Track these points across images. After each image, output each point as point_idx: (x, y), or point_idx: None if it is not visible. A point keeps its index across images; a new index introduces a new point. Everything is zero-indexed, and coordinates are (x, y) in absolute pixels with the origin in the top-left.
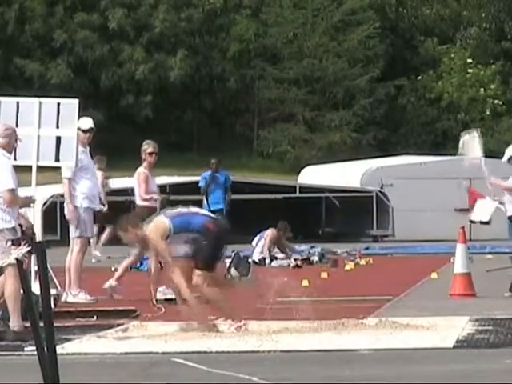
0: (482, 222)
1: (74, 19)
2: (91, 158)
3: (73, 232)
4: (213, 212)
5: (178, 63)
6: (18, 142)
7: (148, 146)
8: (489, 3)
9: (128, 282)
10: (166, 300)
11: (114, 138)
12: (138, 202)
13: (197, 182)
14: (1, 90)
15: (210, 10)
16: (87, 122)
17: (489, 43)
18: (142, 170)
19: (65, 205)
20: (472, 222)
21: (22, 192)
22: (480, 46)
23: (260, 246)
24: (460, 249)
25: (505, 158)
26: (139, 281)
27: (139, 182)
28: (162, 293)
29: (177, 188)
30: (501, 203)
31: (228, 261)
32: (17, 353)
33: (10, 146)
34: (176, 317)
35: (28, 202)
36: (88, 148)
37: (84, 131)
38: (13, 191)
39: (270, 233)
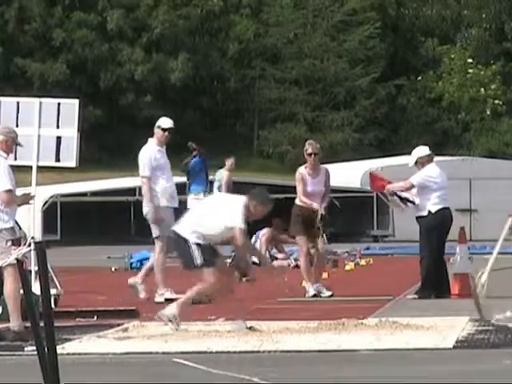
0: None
1: (72, 18)
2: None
3: (153, 232)
4: None
5: (179, 66)
6: (18, 147)
7: (309, 147)
8: (489, 4)
9: (127, 282)
10: (166, 300)
11: (114, 137)
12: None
13: None
14: (1, 90)
15: (210, 10)
16: (167, 122)
17: (489, 43)
18: (300, 171)
19: (143, 204)
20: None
21: (22, 192)
22: (480, 47)
23: (257, 246)
24: (460, 249)
25: (412, 163)
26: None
27: (297, 182)
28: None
29: (177, 188)
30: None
31: (228, 261)
32: (17, 353)
33: (8, 146)
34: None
35: (27, 199)
36: (165, 147)
37: (164, 130)
38: (10, 192)
39: (265, 232)
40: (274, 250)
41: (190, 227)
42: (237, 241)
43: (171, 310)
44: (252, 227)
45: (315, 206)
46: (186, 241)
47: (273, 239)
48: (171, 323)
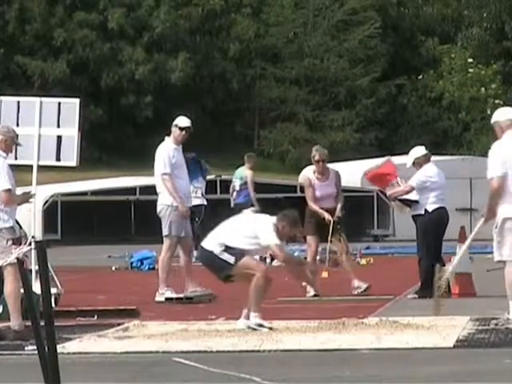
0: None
1: (74, 18)
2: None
3: (163, 230)
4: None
5: (179, 66)
6: (18, 146)
7: (316, 153)
8: (489, 3)
9: (127, 281)
10: (167, 300)
11: (114, 137)
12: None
13: None
14: (1, 90)
15: (211, 10)
16: (185, 121)
17: (490, 43)
18: (308, 175)
19: (158, 201)
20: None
21: (23, 191)
22: (481, 46)
23: None
24: (461, 248)
25: (409, 164)
26: (139, 280)
27: (305, 188)
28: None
29: None
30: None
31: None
32: (17, 352)
33: (7, 146)
34: (177, 316)
35: (27, 198)
36: (181, 146)
37: (181, 129)
38: (9, 191)
39: None
40: None
41: (216, 241)
42: (278, 257)
43: (253, 320)
44: None
45: (326, 216)
46: (212, 252)
47: None
48: (263, 327)
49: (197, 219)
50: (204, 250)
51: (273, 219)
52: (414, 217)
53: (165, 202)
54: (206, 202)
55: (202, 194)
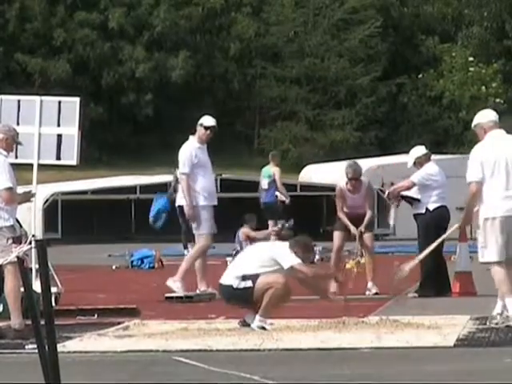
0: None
1: (75, 18)
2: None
3: (193, 229)
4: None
5: (180, 64)
6: (19, 145)
7: (349, 170)
8: (490, 2)
9: (128, 280)
10: (167, 299)
11: (115, 136)
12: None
13: None
14: (2, 88)
15: (211, 9)
16: (210, 120)
17: (490, 42)
18: (340, 186)
19: (183, 201)
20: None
21: (23, 190)
22: (481, 45)
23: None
24: (461, 248)
25: (410, 164)
26: (139, 279)
27: (336, 197)
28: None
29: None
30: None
31: (229, 259)
32: (17, 351)
33: (8, 145)
34: (177, 315)
35: (28, 197)
36: (205, 145)
37: (206, 128)
38: (10, 189)
39: (241, 233)
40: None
41: (233, 275)
42: (306, 274)
43: (257, 323)
44: (258, 225)
45: (352, 229)
46: (231, 286)
47: (248, 237)
48: (264, 329)
49: None
50: (223, 286)
51: (285, 243)
52: (416, 215)
53: (192, 202)
54: None
55: None
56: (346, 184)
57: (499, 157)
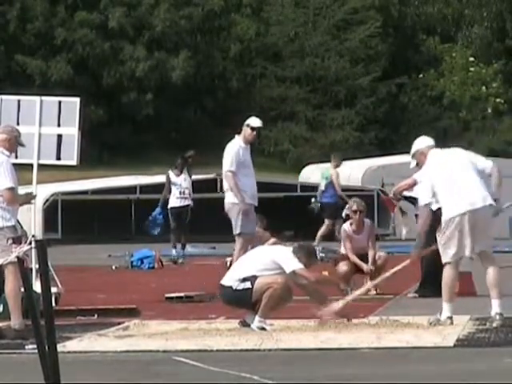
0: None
1: (75, 18)
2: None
3: (234, 229)
4: None
5: (180, 64)
6: (21, 147)
7: (353, 204)
8: (491, 2)
9: (128, 280)
10: (167, 299)
11: (115, 135)
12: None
13: (197, 181)
14: (2, 88)
15: (211, 9)
16: (257, 121)
17: (491, 42)
18: (345, 228)
19: (225, 200)
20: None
21: (23, 190)
22: (482, 45)
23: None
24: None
25: (413, 164)
26: (139, 279)
27: (342, 240)
28: None
29: None
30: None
31: (229, 259)
32: (18, 351)
33: (11, 145)
34: (177, 315)
35: (29, 198)
36: (249, 146)
37: (252, 129)
38: (12, 190)
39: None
40: None
41: (234, 277)
42: (309, 279)
43: (256, 323)
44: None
45: (365, 267)
46: (230, 287)
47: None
48: (264, 330)
49: (184, 219)
50: (223, 287)
51: (289, 249)
52: (417, 216)
53: (232, 200)
54: (191, 203)
55: (190, 195)
56: (351, 225)
57: (446, 167)
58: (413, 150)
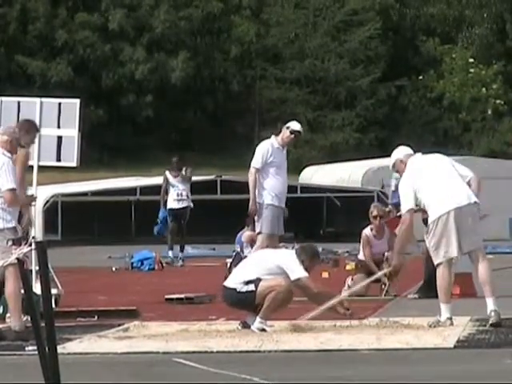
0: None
1: (76, 20)
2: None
3: (256, 227)
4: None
5: (179, 65)
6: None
7: (374, 209)
8: (491, 3)
9: (128, 282)
10: (167, 300)
11: (115, 137)
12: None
13: (197, 182)
14: (2, 90)
15: (211, 11)
16: (298, 125)
17: (491, 43)
18: (366, 232)
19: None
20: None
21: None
22: (482, 46)
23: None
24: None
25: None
26: (139, 281)
27: (362, 244)
28: None
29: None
30: None
31: (229, 261)
32: (18, 352)
33: (12, 147)
34: (177, 316)
35: (30, 200)
36: (285, 148)
37: (291, 132)
38: (14, 191)
39: (244, 236)
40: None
41: (237, 280)
42: (312, 289)
43: (257, 324)
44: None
45: (383, 279)
46: (234, 290)
47: (251, 240)
48: (263, 330)
49: (182, 221)
50: (227, 289)
51: (292, 251)
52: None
53: (257, 199)
54: (191, 204)
55: (188, 196)
56: (371, 230)
57: (429, 169)
58: (392, 159)
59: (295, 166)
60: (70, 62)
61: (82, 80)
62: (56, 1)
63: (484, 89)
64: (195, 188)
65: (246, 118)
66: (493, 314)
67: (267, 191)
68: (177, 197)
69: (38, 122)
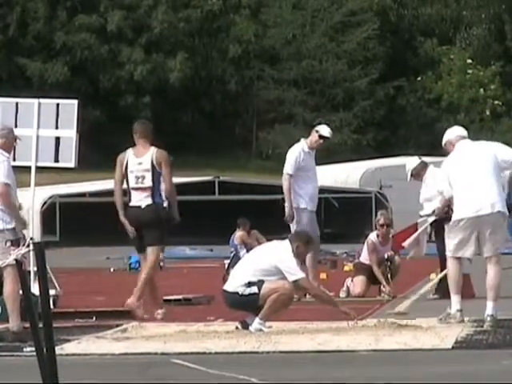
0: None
1: (75, 21)
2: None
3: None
4: None
5: (177, 66)
6: (18, 141)
7: (381, 217)
8: (489, 4)
9: (126, 283)
10: (165, 301)
11: (113, 138)
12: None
13: (195, 183)
14: (1, 90)
15: (209, 11)
16: (327, 131)
17: (489, 44)
18: (372, 239)
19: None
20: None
21: (22, 193)
22: (480, 47)
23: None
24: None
25: (408, 177)
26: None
27: (368, 250)
28: None
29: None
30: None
31: (227, 262)
32: (16, 353)
33: (8, 146)
34: (175, 317)
35: (21, 220)
36: (314, 151)
37: (320, 136)
38: (7, 185)
39: (236, 238)
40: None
41: (237, 282)
42: (310, 290)
43: (256, 325)
44: (255, 228)
45: (387, 288)
46: (237, 293)
47: (243, 241)
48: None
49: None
50: (228, 293)
51: (286, 244)
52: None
53: (293, 204)
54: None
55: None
56: (377, 236)
57: (464, 162)
58: (444, 139)
59: None
60: (68, 63)
61: (80, 81)
62: (55, 2)
63: (482, 90)
64: (193, 189)
65: (244, 119)
66: (489, 318)
67: (300, 196)
68: None
69: (35, 122)
